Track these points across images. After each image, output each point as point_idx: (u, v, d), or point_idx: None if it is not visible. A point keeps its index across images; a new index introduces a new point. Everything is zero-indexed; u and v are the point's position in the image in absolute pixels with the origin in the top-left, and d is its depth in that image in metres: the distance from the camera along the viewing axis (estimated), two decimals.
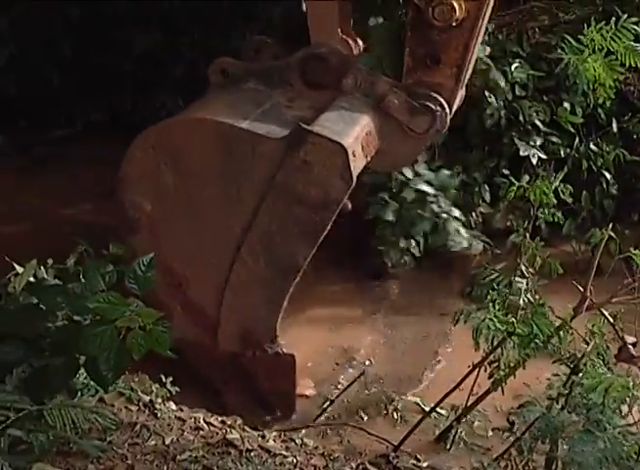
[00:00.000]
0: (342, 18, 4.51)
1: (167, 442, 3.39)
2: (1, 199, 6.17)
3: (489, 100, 6.12)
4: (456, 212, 5.64)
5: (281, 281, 4.24)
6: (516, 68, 6.10)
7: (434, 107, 4.37)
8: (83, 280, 3.03)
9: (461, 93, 4.62)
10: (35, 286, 3.13)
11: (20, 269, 3.32)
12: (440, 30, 4.20)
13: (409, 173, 5.63)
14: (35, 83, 6.97)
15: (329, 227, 4.08)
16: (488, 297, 3.94)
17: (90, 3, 6.74)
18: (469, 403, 4.17)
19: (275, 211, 4.09)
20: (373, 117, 4.36)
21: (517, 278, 4.06)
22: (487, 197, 6.29)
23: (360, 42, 4.78)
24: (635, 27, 4.59)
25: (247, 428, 3.71)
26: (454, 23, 4.14)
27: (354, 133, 4.11)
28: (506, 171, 6.17)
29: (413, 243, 5.72)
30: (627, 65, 4.16)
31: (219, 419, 3.70)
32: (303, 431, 4.20)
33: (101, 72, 6.88)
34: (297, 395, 4.63)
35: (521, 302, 3.88)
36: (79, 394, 3.28)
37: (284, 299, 4.28)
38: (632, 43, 4.46)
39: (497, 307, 3.71)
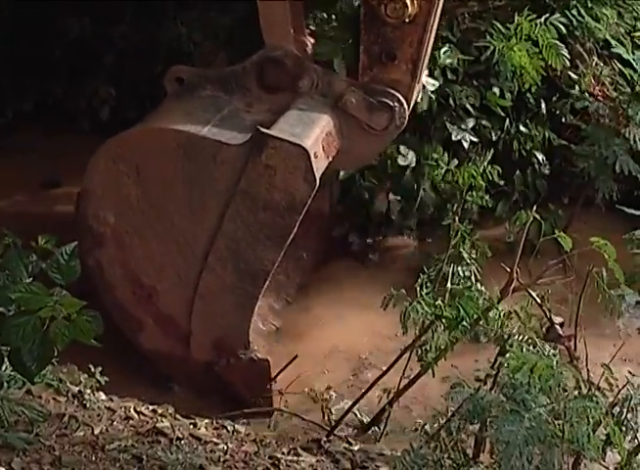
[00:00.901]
0: (294, 18, 4.47)
1: (96, 432, 3.37)
2: None
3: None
4: None
5: (250, 287, 4.24)
6: (445, 52, 6.14)
7: (391, 103, 4.39)
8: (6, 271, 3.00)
9: (418, 87, 4.66)
10: None
11: None
12: (394, 27, 4.21)
13: None
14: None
15: (295, 230, 4.09)
16: (418, 281, 3.97)
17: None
18: (400, 387, 4.20)
19: (240, 217, 4.08)
20: (332, 117, 4.37)
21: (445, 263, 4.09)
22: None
23: (312, 40, 4.73)
24: (561, 26, 4.73)
25: (178, 416, 3.71)
26: (407, 20, 4.16)
27: (314, 134, 4.12)
28: (435, 156, 6.21)
29: None
30: (548, 61, 4.26)
31: (150, 408, 3.70)
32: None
33: (31, 60, 6.75)
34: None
35: (449, 285, 3.92)
36: (5, 386, 3.25)
37: (254, 304, 4.29)
38: (556, 41, 4.59)
39: (425, 291, 3.75)
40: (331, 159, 4.31)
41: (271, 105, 4.40)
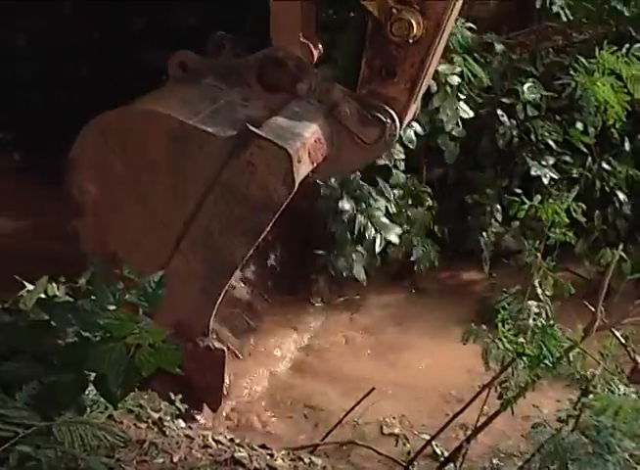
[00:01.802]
0: (304, 21, 4.53)
1: (175, 459, 3.38)
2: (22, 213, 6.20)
3: (502, 119, 6.15)
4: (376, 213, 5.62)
5: (217, 277, 4.26)
6: (529, 87, 6.12)
7: (384, 119, 4.43)
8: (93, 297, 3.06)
9: (414, 107, 4.69)
10: (46, 302, 3.13)
11: (30, 286, 3.34)
12: (398, 45, 4.25)
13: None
14: (55, 101, 7.02)
15: (268, 229, 4.13)
16: (499, 316, 3.93)
17: (111, 23, 6.79)
18: (478, 424, 4.15)
19: (217, 208, 4.10)
20: (324, 124, 4.41)
21: (528, 299, 4.04)
22: (499, 217, 6.29)
23: (320, 47, 4.80)
24: None
25: (255, 446, 3.71)
26: (411, 40, 4.20)
27: (302, 139, 4.15)
28: (518, 191, 6.16)
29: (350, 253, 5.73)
30: (634, 95, 4.19)
31: (228, 437, 3.70)
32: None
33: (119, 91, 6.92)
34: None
35: (531, 322, 3.86)
36: (88, 410, 3.29)
37: (219, 294, 4.29)
38: None
39: (507, 328, 3.70)
40: (315, 165, 4.32)
41: (268, 102, 4.44)
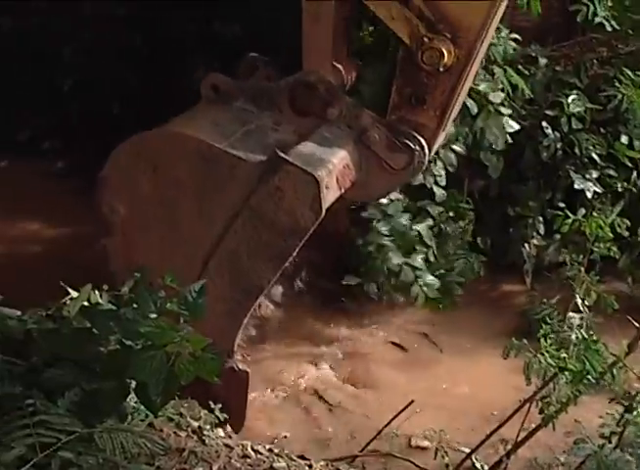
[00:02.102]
0: (337, 45, 4.55)
1: (214, 468, 3.38)
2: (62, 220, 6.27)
3: (546, 132, 6.10)
4: (417, 262, 5.58)
5: (244, 300, 4.29)
6: (573, 100, 6.06)
7: (413, 146, 4.47)
8: (135, 305, 3.08)
9: (443, 135, 4.71)
10: (89, 310, 3.16)
11: (74, 293, 3.37)
12: (428, 73, 4.28)
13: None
14: (98, 109, 7.10)
15: (295, 254, 4.16)
16: (541, 330, 3.89)
17: (155, 31, 6.86)
18: (519, 439, 4.11)
19: (245, 232, 4.14)
20: (353, 149, 4.44)
21: (570, 313, 4.00)
22: (542, 230, 6.23)
23: (354, 73, 4.88)
24: None
25: (293, 457, 3.71)
26: (442, 68, 4.23)
27: (330, 165, 4.18)
28: (561, 204, 6.11)
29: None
30: None
31: (267, 447, 3.70)
32: None
33: (161, 99, 6.98)
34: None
35: (573, 337, 3.82)
36: (129, 418, 3.31)
37: (245, 316, 4.32)
38: None
39: (549, 342, 3.66)
40: (343, 190, 4.34)
41: (298, 127, 4.48)
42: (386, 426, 4.63)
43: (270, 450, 3.69)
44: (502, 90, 5.78)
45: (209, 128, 4.25)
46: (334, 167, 4.21)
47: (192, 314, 2.89)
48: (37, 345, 3.25)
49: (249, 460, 3.53)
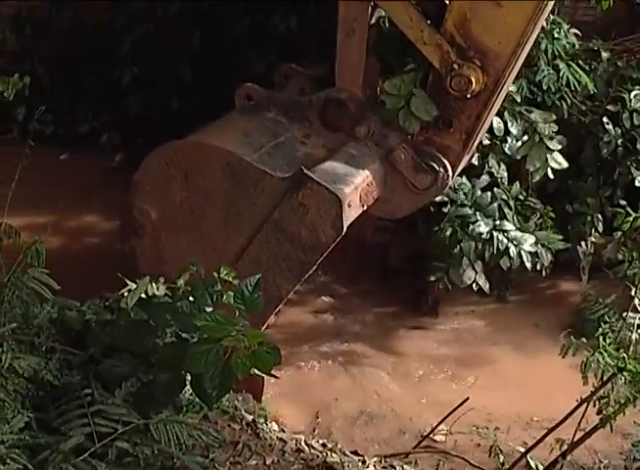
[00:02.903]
0: (369, 66, 4.59)
1: (268, 462, 3.41)
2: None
3: (607, 127, 6.00)
4: (506, 225, 5.45)
5: (263, 308, 4.28)
6: (635, 95, 5.95)
7: (437, 167, 4.54)
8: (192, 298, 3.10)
9: (467, 158, 4.76)
10: (146, 302, 3.20)
11: (132, 285, 3.41)
12: (456, 98, 4.33)
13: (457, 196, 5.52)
14: (156, 104, 7.17)
15: (314, 268, 4.24)
16: (599, 330, 3.83)
17: (212, 27, 6.89)
18: (575, 439, 4.05)
19: (267, 243, 4.25)
20: (379, 167, 4.53)
21: (630, 313, 3.93)
22: (600, 227, 6.14)
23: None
24: None
25: (347, 452, 3.71)
26: (469, 95, 4.27)
27: (354, 184, 4.25)
28: (622, 202, 6.00)
29: (469, 264, 5.58)
30: None
31: (320, 442, 3.71)
32: None
33: (219, 95, 7.02)
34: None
35: (634, 337, 3.76)
36: (184, 410, 3.34)
37: (264, 324, 4.38)
38: None
39: (608, 342, 3.60)
40: (366, 207, 4.41)
41: (327, 141, 4.57)
42: (440, 423, 4.61)
43: (324, 445, 3.70)
44: (567, 84, 5.69)
45: (240, 140, 4.37)
46: (357, 186, 4.27)
47: (247, 308, 2.90)
48: (95, 335, 3.31)
49: (302, 455, 3.54)
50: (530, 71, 5.82)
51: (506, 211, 5.46)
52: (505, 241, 5.26)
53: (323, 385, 5.10)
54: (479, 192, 5.45)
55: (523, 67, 5.69)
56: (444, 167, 4.55)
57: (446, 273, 5.55)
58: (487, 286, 5.56)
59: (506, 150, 5.60)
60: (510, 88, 5.22)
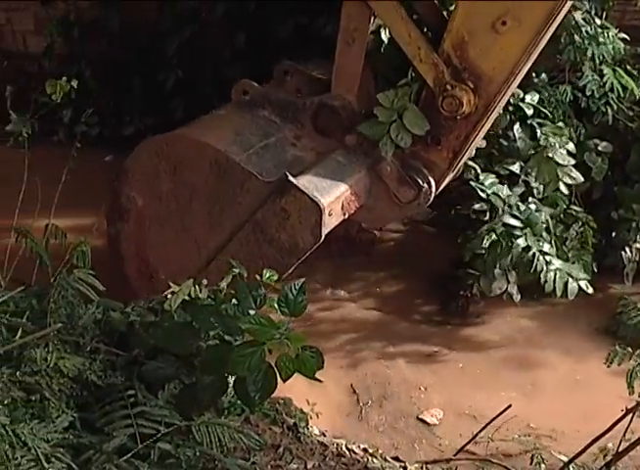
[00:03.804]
0: (365, 76, 4.65)
1: (309, 466, 3.40)
2: None
3: None
4: (545, 247, 5.39)
5: None
6: None
7: (421, 183, 4.62)
8: (235, 301, 3.11)
9: (451, 176, 4.82)
10: (190, 305, 3.21)
11: (175, 288, 3.42)
12: (446, 117, 4.40)
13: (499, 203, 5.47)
14: (200, 107, 7.21)
15: (290, 271, 4.31)
16: None
17: (256, 30, 6.91)
18: (620, 449, 3.99)
19: (247, 242, 4.38)
20: (364, 177, 4.60)
21: None
22: None
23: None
24: None
25: (388, 458, 3.69)
26: (459, 117, 4.35)
27: (337, 193, 4.33)
28: None
29: (502, 273, 5.54)
30: None
31: (361, 447, 3.69)
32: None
33: None
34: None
35: None
36: (226, 412, 3.35)
37: None
38: None
39: None
40: (347, 215, 4.48)
41: (316, 145, 4.66)
42: (481, 430, 4.57)
43: (365, 450, 3.68)
44: (611, 88, 5.63)
45: (231, 138, 4.46)
46: (340, 195, 4.37)
47: (292, 312, 2.90)
48: (139, 337, 3.33)
49: (343, 459, 3.53)
50: (575, 77, 5.78)
51: (544, 235, 5.43)
52: (543, 263, 5.23)
53: (366, 384, 5.09)
54: (523, 206, 5.41)
55: (568, 72, 5.69)
56: (428, 183, 4.63)
57: (477, 281, 5.54)
58: (519, 297, 5.54)
59: (551, 155, 5.55)
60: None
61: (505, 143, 5.44)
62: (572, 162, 5.35)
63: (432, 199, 4.73)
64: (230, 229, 4.43)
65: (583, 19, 5.51)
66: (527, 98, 5.41)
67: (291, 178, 4.15)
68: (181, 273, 4.45)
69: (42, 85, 4.20)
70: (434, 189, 4.66)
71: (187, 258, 4.61)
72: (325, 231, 4.22)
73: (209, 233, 4.51)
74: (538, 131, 5.42)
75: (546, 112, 5.54)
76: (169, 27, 7.15)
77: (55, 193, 4.24)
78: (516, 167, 5.42)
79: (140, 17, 7.39)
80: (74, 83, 4.10)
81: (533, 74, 5.58)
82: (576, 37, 5.48)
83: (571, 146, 5.44)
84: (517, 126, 5.40)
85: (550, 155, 5.34)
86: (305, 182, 4.22)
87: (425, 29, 4.51)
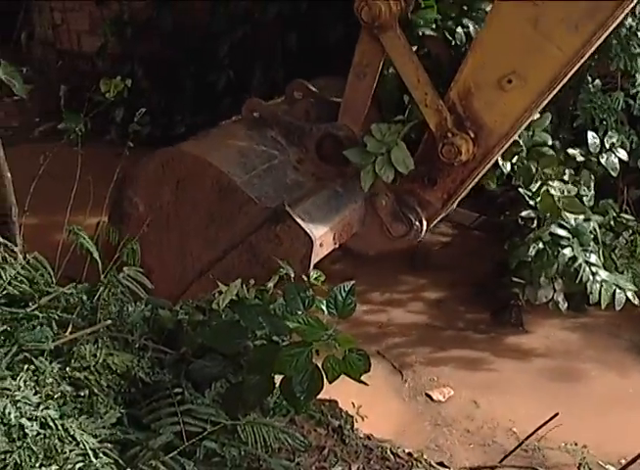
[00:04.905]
0: (372, 109, 4.81)
1: (353, 469, 3.38)
2: None
3: None
4: (592, 258, 5.31)
5: None
6: None
7: (414, 220, 4.77)
8: (283, 301, 3.11)
9: (443, 215, 4.95)
10: (238, 304, 3.22)
11: (223, 287, 3.44)
12: (444, 162, 4.51)
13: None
14: None
15: None
16: None
17: (307, 31, 6.92)
18: None
19: (240, 261, 4.56)
20: (360, 207, 4.81)
21: None
22: None
23: None
24: None
25: (433, 463, 3.66)
26: (456, 163, 4.47)
27: (331, 223, 4.56)
28: None
29: (548, 282, 5.47)
30: None
31: (406, 451, 3.67)
32: None
33: None
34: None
35: None
36: (271, 413, 3.35)
37: None
38: None
39: None
40: (339, 244, 4.67)
41: (317, 171, 4.84)
42: (528, 437, 4.53)
43: (410, 454, 3.65)
44: (623, 147, 5.60)
45: (235, 159, 4.62)
46: (334, 227, 4.57)
47: (340, 314, 2.90)
48: (187, 335, 3.34)
49: (387, 463, 3.51)
50: (628, 83, 5.72)
51: (592, 244, 5.36)
52: (589, 275, 5.17)
53: (411, 389, 5.08)
54: (572, 216, 5.34)
55: (620, 78, 5.63)
56: (420, 222, 4.79)
57: (523, 289, 5.50)
58: (565, 306, 5.48)
59: (603, 163, 5.51)
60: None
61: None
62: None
63: (422, 235, 4.89)
64: (224, 247, 4.60)
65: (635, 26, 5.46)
66: None
67: (287, 208, 4.32)
68: (174, 283, 4.75)
69: (95, 84, 4.26)
70: (424, 227, 4.82)
71: (180, 269, 4.79)
72: (315, 261, 4.39)
73: (204, 248, 4.69)
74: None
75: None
76: (222, 28, 7.20)
77: (106, 191, 4.29)
78: (565, 175, 5.37)
79: (192, 17, 7.46)
80: (128, 82, 4.14)
81: (588, 78, 5.53)
82: (628, 44, 5.43)
83: (622, 153, 5.38)
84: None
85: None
86: (301, 212, 4.40)
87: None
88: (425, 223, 4.81)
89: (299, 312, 2.95)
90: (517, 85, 4.19)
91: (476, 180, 4.78)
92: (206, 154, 4.61)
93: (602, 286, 5.17)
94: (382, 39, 4.50)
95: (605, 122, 5.55)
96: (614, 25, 4.07)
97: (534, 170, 5.05)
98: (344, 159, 4.71)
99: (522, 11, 4.06)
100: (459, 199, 4.90)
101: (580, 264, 5.18)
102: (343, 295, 2.90)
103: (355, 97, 4.72)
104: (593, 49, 4.18)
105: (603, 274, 5.22)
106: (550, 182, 5.13)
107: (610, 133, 5.53)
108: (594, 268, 5.21)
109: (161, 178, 4.65)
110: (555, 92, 4.36)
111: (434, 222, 5.00)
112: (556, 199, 5.08)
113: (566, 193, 5.13)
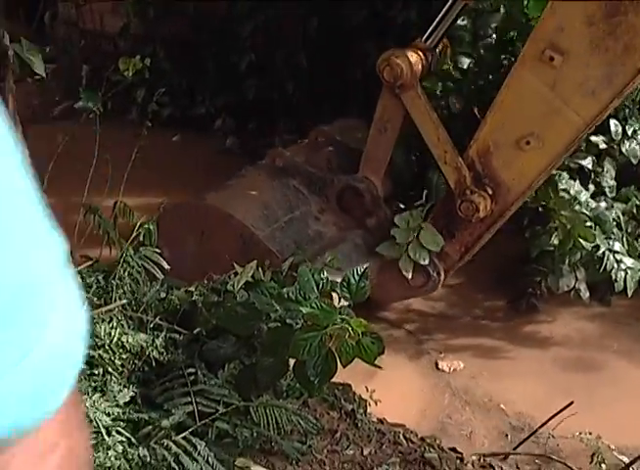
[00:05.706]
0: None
1: (365, 453, 3.39)
2: None
3: None
4: (616, 246, 5.26)
5: None
6: None
7: (432, 272, 4.81)
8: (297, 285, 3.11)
9: (458, 266, 4.99)
10: (253, 286, 3.23)
11: (239, 269, 3.45)
12: (462, 218, 4.57)
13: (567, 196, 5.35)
14: (271, 90, 7.24)
15: None
16: None
17: (329, 15, 6.90)
18: None
19: None
20: (380, 258, 4.77)
21: None
22: None
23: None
24: None
25: (445, 448, 3.66)
26: (474, 220, 4.52)
27: None
28: None
29: (571, 270, 5.42)
30: None
31: (419, 436, 3.66)
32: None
33: (333, 83, 7.02)
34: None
35: None
36: (284, 395, 3.36)
37: None
38: None
39: None
40: None
41: (338, 220, 4.92)
42: (541, 426, 4.50)
43: (422, 439, 3.65)
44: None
45: (258, 212, 4.73)
46: None
47: (354, 297, 2.89)
48: (201, 316, 3.35)
49: (400, 447, 3.51)
50: None
51: (615, 230, 5.32)
52: (614, 262, 5.14)
53: (427, 374, 5.06)
54: (593, 203, 5.31)
55: None
56: (438, 273, 4.81)
57: (545, 278, 5.46)
58: (587, 295, 5.43)
59: (624, 152, 5.47)
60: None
61: None
62: None
63: (439, 287, 4.95)
64: None
65: None
66: None
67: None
68: None
69: (116, 64, 4.26)
70: (442, 278, 4.85)
71: None
72: None
73: None
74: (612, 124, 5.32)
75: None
76: (244, 10, 7.18)
77: (124, 171, 4.29)
78: (587, 162, 5.32)
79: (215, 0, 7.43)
80: (147, 62, 4.14)
81: None
82: None
83: None
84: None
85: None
86: (320, 265, 4.41)
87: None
88: (442, 275, 4.86)
89: (313, 296, 2.95)
90: (535, 146, 4.23)
91: (491, 233, 4.84)
92: (230, 207, 4.72)
93: (627, 273, 5.14)
94: (402, 98, 4.56)
95: (628, 110, 5.50)
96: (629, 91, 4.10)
97: None
98: (365, 210, 4.83)
99: (540, 74, 4.07)
100: (475, 250, 4.96)
101: (604, 252, 5.15)
102: (357, 278, 2.90)
103: (376, 150, 4.80)
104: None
105: (628, 261, 5.19)
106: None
107: (630, 121, 5.49)
108: (618, 256, 5.17)
109: (185, 229, 4.78)
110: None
111: (451, 273, 5.07)
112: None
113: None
